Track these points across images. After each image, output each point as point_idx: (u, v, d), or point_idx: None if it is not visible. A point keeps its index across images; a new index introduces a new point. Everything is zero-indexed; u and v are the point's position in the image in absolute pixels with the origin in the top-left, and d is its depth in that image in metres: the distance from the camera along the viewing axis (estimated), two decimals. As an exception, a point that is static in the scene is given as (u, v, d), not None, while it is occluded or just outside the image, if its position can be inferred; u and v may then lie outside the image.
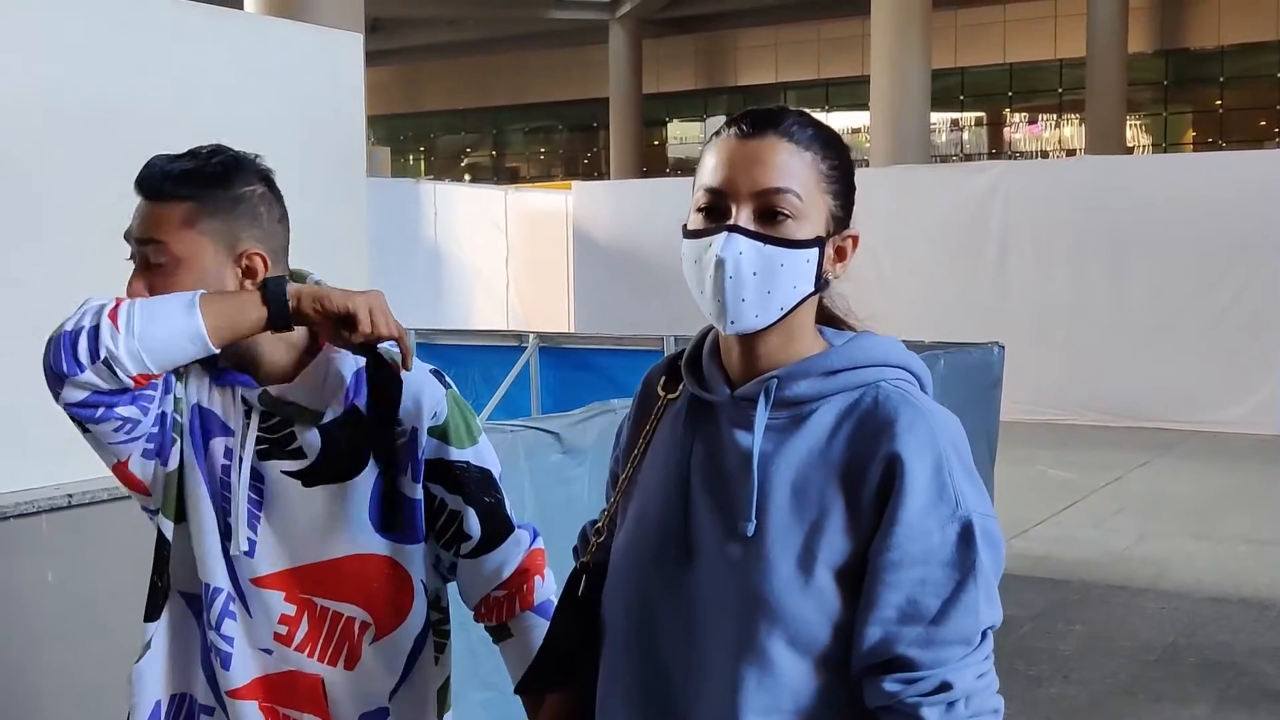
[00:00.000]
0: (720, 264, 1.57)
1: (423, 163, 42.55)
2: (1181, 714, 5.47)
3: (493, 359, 8.84)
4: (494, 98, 39.09)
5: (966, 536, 1.55)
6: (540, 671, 1.84)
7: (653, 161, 35.96)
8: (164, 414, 1.93)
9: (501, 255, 17.63)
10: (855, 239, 1.69)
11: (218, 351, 1.83)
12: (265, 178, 1.97)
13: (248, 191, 1.93)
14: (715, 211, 1.62)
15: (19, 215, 3.94)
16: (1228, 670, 5.99)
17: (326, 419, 1.95)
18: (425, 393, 1.99)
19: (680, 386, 1.77)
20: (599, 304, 16.54)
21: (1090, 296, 13.86)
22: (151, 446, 1.94)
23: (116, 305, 1.77)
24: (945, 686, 1.53)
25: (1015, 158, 31.00)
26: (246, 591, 1.96)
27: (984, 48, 31.99)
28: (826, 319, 1.75)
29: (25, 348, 3.71)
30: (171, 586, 2.01)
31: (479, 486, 2.03)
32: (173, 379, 1.94)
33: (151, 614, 2.02)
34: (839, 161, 1.66)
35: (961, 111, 34.16)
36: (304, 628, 1.96)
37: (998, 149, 33.50)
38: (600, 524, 1.84)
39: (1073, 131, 32.00)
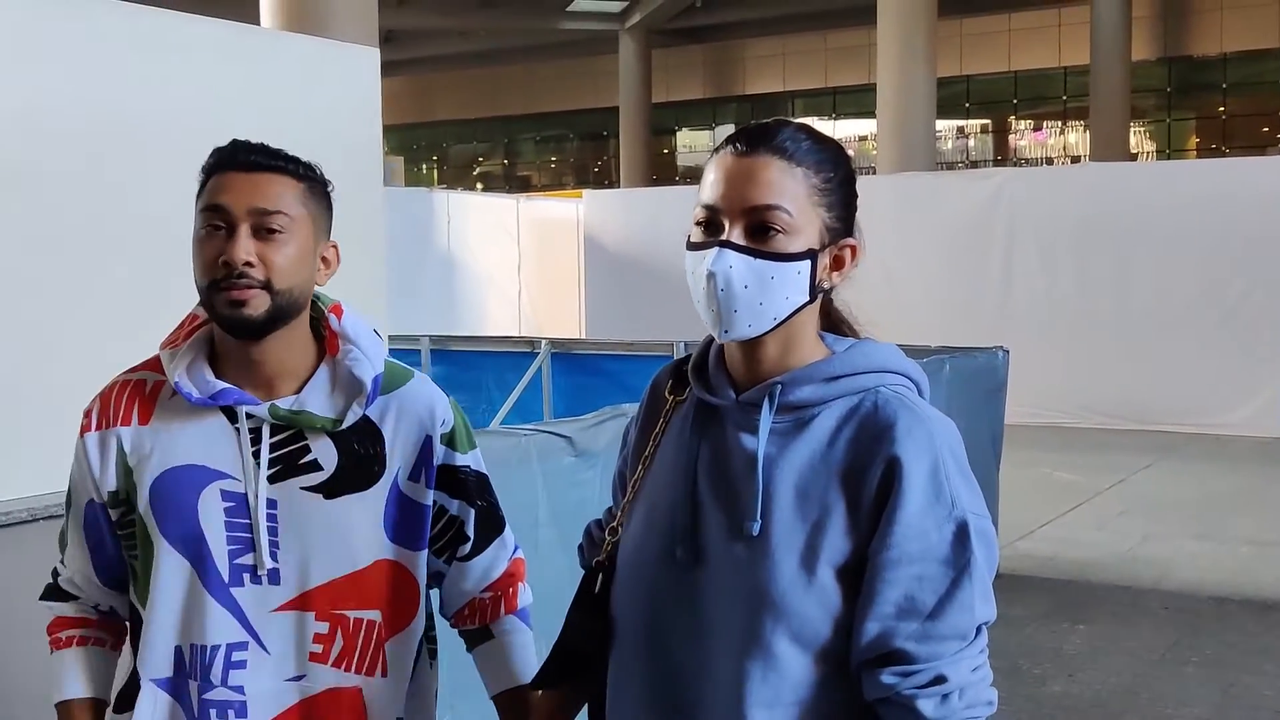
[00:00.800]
0: (712, 277, 1.63)
1: (435, 172, 42.53)
2: (1185, 713, 5.48)
3: (506, 364, 8.91)
4: (505, 107, 39.16)
5: (962, 536, 1.61)
6: (555, 666, 1.88)
7: (662, 170, 35.90)
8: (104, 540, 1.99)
9: (514, 263, 17.68)
10: (854, 248, 1.73)
11: None
12: None
13: (331, 190, 1.98)
14: (711, 226, 1.68)
15: (39, 224, 4.00)
16: (1230, 670, 6.00)
17: (346, 424, 1.93)
18: (437, 401, 2.02)
19: (687, 390, 1.83)
20: (609, 310, 16.62)
21: (1094, 301, 13.90)
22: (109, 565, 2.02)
23: None
24: (940, 679, 1.58)
25: (1020, 164, 30.98)
26: (261, 627, 1.92)
27: (989, 56, 31.96)
28: (831, 325, 1.80)
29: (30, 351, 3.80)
30: (144, 676, 1.95)
31: (478, 490, 2.06)
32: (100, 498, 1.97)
33: (122, 706, 2.00)
34: (834, 174, 1.70)
35: (967, 119, 34.13)
36: (339, 643, 1.94)
37: (1003, 156, 33.43)
38: (615, 523, 1.87)
39: (1077, 138, 31.91)
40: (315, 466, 1.93)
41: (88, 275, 4.15)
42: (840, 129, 34.96)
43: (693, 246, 1.69)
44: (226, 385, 1.91)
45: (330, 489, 1.93)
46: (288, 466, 1.93)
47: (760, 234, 1.64)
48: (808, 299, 1.69)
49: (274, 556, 1.91)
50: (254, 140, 1.92)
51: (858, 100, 31.82)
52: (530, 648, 2.11)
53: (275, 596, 1.92)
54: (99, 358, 3.84)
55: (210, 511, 1.91)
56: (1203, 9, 29.75)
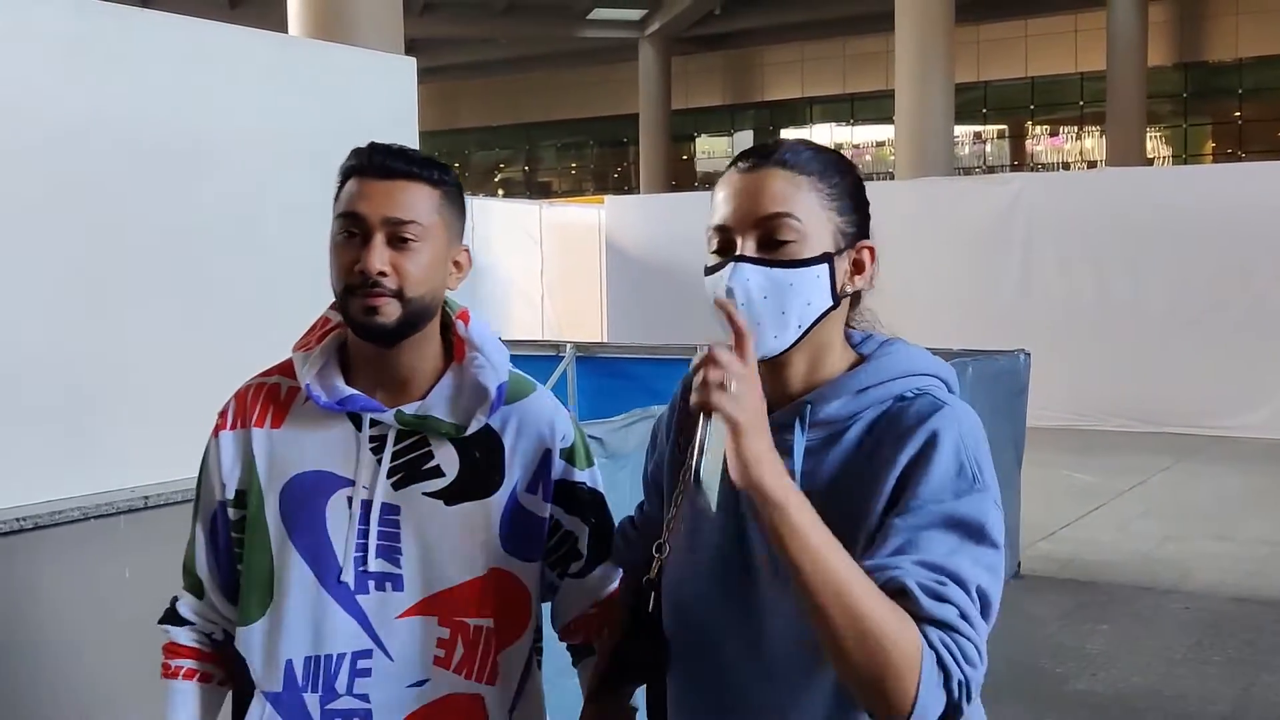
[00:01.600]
0: (730, 293, 1.62)
1: (458, 178, 42.59)
2: (1207, 710, 5.54)
3: (531, 368, 8.81)
4: (527, 114, 39.21)
5: (980, 506, 1.58)
6: (610, 681, 1.89)
7: (681, 175, 35.89)
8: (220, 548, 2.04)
9: (537, 267, 17.78)
10: (871, 250, 1.73)
11: None
12: None
13: (463, 194, 2.00)
14: (725, 246, 1.68)
15: (103, 233, 4.09)
16: (1251, 669, 6.06)
17: (469, 431, 1.94)
18: (558, 416, 2.03)
19: None
20: (631, 314, 16.70)
21: (1112, 305, 13.96)
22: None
23: None
24: (946, 600, 1.51)
25: (1037, 170, 30.91)
26: (385, 634, 1.93)
27: (1006, 62, 31.92)
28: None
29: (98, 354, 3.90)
30: (257, 688, 1.96)
31: (594, 508, 2.06)
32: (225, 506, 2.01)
33: None
34: (839, 179, 1.70)
35: (984, 124, 34.05)
36: (460, 650, 1.95)
37: (1020, 161, 33.35)
38: (662, 540, 1.83)
39: (1093, 143, 31.84)
40: (438, 472, 1.94)
41: (150, 278, 4.24)
42: (858, 134, 35.05)
43: (710, 270, 1.69)
44: (355, 392, 1.93)
45: (451, 495, 1.94)
46: (411, 472, 1.94)
47: (773, 244, 1.65)
48: (831, 304, 1.69)
49: (397, 563, 1.93)
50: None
51: (876, 106, 31.81)
52: None
53: (399, 603, 1.93)
54: (217, 360, 3.89)
55: (337, 518, 1.94)
56: (1218, 14, 29.69)
